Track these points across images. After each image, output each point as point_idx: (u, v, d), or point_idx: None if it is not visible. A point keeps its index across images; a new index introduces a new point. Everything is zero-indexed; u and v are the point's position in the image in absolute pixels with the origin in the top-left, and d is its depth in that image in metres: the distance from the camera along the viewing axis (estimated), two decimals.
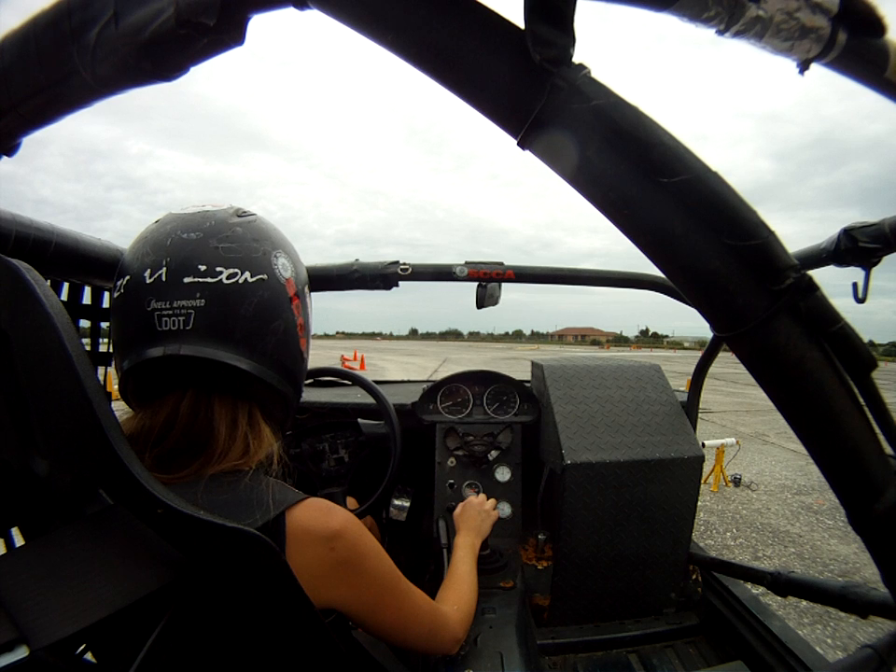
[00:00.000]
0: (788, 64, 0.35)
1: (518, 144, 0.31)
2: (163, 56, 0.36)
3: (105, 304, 0.87)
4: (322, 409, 1.42)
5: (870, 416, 0.32)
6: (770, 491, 3.96)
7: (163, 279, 0.48)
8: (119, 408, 0.52)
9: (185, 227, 0.51)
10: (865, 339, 0.32)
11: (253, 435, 0.52)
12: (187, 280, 0.48)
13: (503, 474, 1.42)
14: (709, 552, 1.49)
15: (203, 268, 0.48)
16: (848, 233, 0.74)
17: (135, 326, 0.49)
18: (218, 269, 0.49)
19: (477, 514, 1.05)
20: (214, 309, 0.48)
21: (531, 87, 0.29)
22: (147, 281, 0.48)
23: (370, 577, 0.53)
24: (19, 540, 0.59)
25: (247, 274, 0.50)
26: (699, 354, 1.40)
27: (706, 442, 3.56)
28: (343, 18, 0.31)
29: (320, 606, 0.49)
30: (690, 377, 1.45)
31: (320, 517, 0.49)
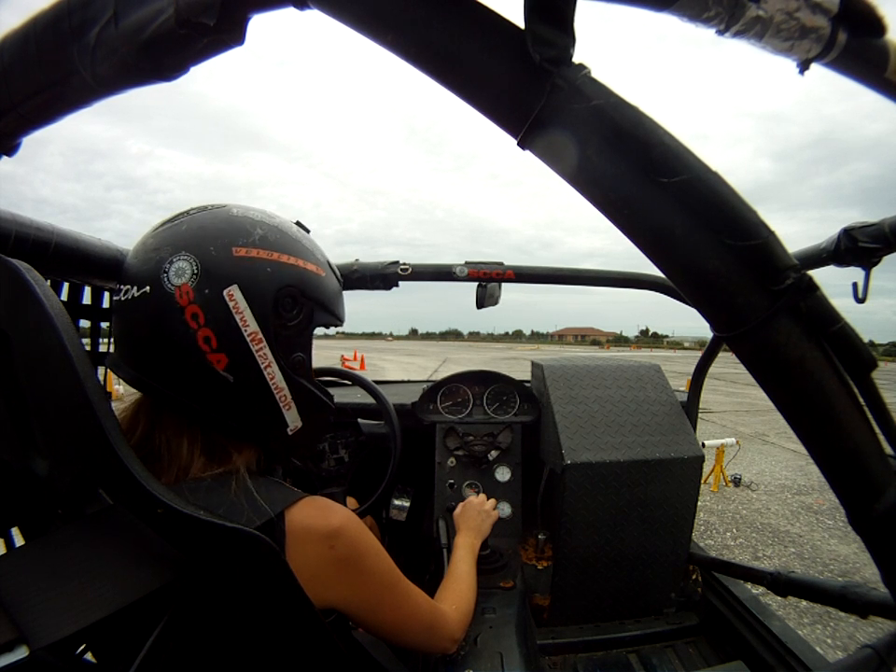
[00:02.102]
0: (788, 64, 0.35)
1: (518, 144, 0.31)
2: (163, 56, 0.36)
3: (105, 304, 0.87)
4: None
5: (870, 416, 0.32)
6: (770, 491, 3.96)
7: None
8: (120, 408, 0.52)
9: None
10: (865, 339, 0.32)
11: (215, 451, 0.51)
12: (115, 298, 0.51)
13: (503, 474, 1.42)
14: (709, 552, 1.49)
15: (118, 286, 0.50)
16: (848, 233, 0.74)
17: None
18: (121, 286, 0.49)
19: (477, 514, 1.05)
20: (118, 326, 0.51)
21: (531, 87, 0.29)
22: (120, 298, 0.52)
23: (370, 575, 0.53)
24: (19, 540, 0.59)
25: (134, 290, 0.48)
26: (699, 354, 1.40)
27: (706, 442, 3.56)
28: (342, 18, 0.31)
29: (320, 605, 0.49)
30: (690, 377, 1.45)
31: (320, 515, 0.49)
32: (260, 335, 0.49)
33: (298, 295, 0.52)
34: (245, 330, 0.48)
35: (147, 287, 0.47)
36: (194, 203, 0.56)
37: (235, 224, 0.50)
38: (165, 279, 0.47)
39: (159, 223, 0.52)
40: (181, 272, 0.47)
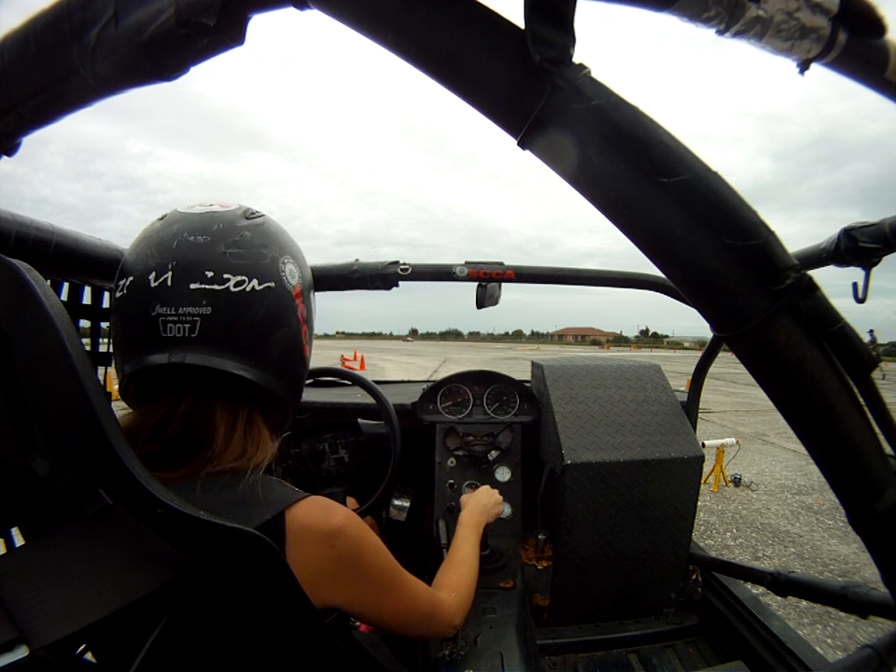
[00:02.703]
0: (788, 64, 0.35)
1: (518, 144, 0.31)
2: (163, 56, 0.36)
3: (106, 304, 0.87)
4: (322, 409, 1.42)
5: (870, 416, 0.32)
6: (770, 491, 3.96)
7: (168, 284, 0.47)
8: (119, 407, 0.52)
9: (192, 229, 0.49)
10: (865, 339, 0.32)
11: (251, 438, 0.52)
12: (193, 286, 0.47)
13: (503, 474, 1.42)
14: (709, 552, 1.49)
15: (210, 274, 0.47)
16: (848, 233, 0.74)
17: (138, 330, 0.48)
18: (226, 276, 0.48)
19: (489, 496, 1.04)
20: (220, 317, 0.47)
21: (531, 87, 0.29)
22: (152, 285, 0.47)
23: (371, 572, 0.53)
24: (19, 540, 0.59)
25: (255, 282, 0.49)
26: (699, 354, 1.40)
27: (706, 442, 3.56)
28: (342, 18, 0.31)
29: (323, 604, 0.49)
30: (690, 377, 1.45)
31: (321, 515, 0.49)
32: (310, 330, 0.59)
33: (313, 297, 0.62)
34: (313, 326, 0.60)
35: (272, 283, 0.51)
36: (201, 201, 0.55)
37: (290, 235, 0.58)
38: (285, 278, 0.53)
39: (226, 211, 0.52)
40: (293, 273, 0.54)
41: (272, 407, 0.56)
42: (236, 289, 0.48)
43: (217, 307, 0.47)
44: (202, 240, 0.49)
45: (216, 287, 0.47)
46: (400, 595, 0.58)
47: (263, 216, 0.55)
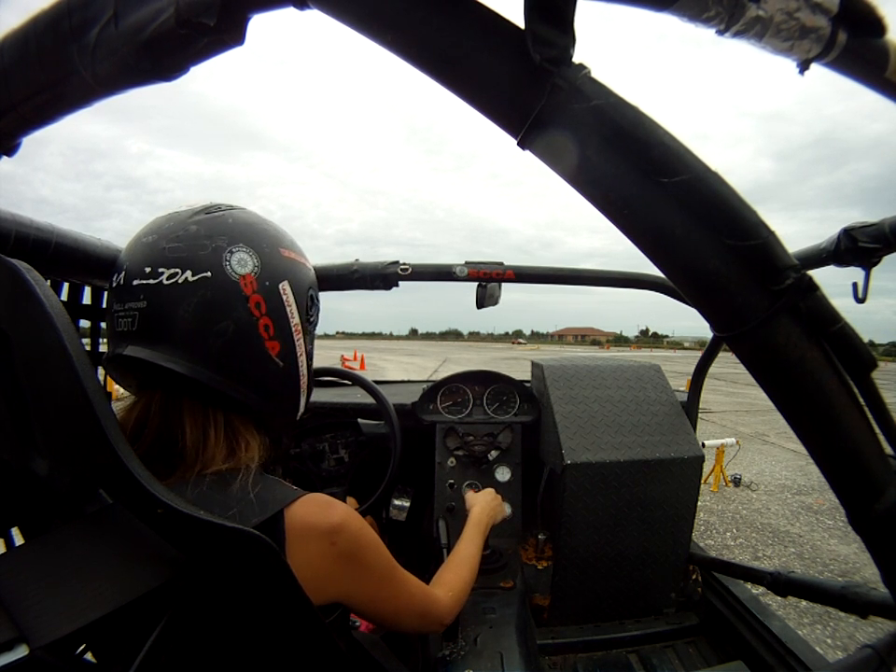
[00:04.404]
0: (788, 64, 0.35)
1: (518, 144, 0.31)
2: (163, 56, 0.36)
3: (105, 304, 0.87)
4: (322, 409, 1.42)
5: (870, 416, 0.32)
6: (770, 491, 3.96)
7: (121, 283, 0.50)
8: (119, 407, 0.52)
9: (148, 230, 0.52)
10: (865, 339, 0.32)
11: (235, 439, 0.52)
12: (135, 283, 0.49)
13: (503, 474, 1.42)
14: (709, 552, 1.49)
15: (148, 270, 0.49)
16: (848, 233, 0.74)
17: (108, 327, 0.52)
18: (160, 269, 0.49)
19: (493, 498, 1.06)
20: (154, 310, 0.48)
21: (531, 87, 0.29)
22: (113, 285, 0.51)
23: (370, 569, 0.54)
24: (19, 540, 0.59)
25: (188, 273, 0.48)
26: (699, 354, 1.40)
27: (706, 442, 3.56)
28: (342, 18, 0.31)
29: (323, 599, 0.50)
30: (690, 377, 1.45)
31: (320, 512, 0.49)
32: (300, 327, 0.56)
33: (315, 295, 0.60)
34: (292, 321, 0.55)
35: (208, 273, 0.49)
36: (190, 201, 0.56)
37: (271, 227, 0.56)
38: (228, 267, 0.50)
39: (187, 210, 0.53)
40: (243, 262, 0.51)
41: (238, 409, 0.53)
42: (168, 282, 0.48)
43: (151, 300, 0.48)
44: (150, 239, 0.51)
45: (150, 281, 0.49)
46: (397, 590, 0.58)
47: (227, 209, 0.54)
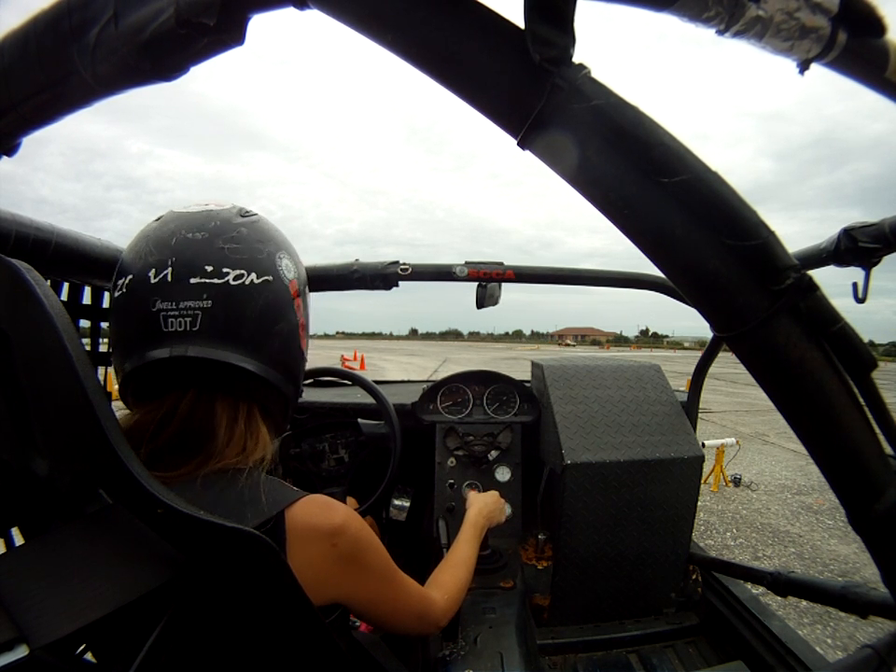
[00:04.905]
0: (788, 64, 0.35)
1: (518, 144, 0.31)
2: (163, 56, 0.36)
3: (106, 304, 0.87)
4: (322, 409, 1.42)
5: (870, 416, 0.32)
6: (770, 491, 3.96)
7: (168, 279, 0.47)
8: (119, 407, 0.52)
9: (189, 226, 0.50)
10: (865, 339, 0.32)
11: (250, 434, 0.52)
12: (193, 280, 0.48)
13: (503, 474, 1.42)
14: (709, 552, 1.49)
15: (209, 268, 0.48)
16: (848, 233, 0.74)
17: (139, 326, 0.48)
18: (225, 270, 0.49)
19: (494, 501, 1.05)
20: (221, 310, 0.48)
21: (531, 87, 0.29)
22: (152, 281, 0.48)
23: (370, 570, 0.54)
24: (19, 540, 0.59)
25: (254, 276, 0.50)
26: (699, 354, 1.40)
27: (706, 442, 3.56)
28: (342, 18, 0.31)
29: (324, 600, 0.50)
30: (690, 377, 1.45)
31: (321, 513, 0.49)
32: (307, 326, 0.60)
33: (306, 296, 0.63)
34: (309, 321, 0.60)
35: (270, 277, 0.52)
36: (196, 201, 0.56)
37: (284, 234, 0.60)
38: (282, 272, 0.54)
39: (219, 209, 0.53)
40: (289, 268, 0.55)
41: (272, 402, 0.56)
42: (235, 283, 0.49)
43: (218, 300, 0.48)
44: (199, 236, 0.50)
45: (215, 280, 0.48)
46: (395, 592, 0.58)
47: (257, 214, 0.56)
